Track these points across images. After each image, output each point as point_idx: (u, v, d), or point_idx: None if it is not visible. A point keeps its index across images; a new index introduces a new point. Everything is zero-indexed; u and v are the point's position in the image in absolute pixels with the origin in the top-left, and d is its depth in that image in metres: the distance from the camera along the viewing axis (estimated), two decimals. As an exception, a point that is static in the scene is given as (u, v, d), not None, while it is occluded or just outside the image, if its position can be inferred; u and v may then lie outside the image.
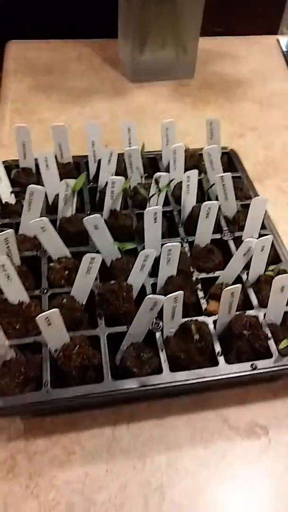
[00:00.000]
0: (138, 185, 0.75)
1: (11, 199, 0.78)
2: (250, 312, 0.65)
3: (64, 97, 1.19)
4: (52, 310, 0.53)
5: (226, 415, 0.64)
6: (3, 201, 0.76)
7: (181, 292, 0.57)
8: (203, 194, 0.80)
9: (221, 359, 0.60)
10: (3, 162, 0.79)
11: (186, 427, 0.63)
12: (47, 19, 1.67)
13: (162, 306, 0.58)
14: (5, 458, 0.58)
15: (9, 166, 0.81)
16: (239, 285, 0.59)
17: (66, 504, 0.55)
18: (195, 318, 0.63)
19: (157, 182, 0.71)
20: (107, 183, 0.73)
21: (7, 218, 0.75)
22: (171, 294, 0.56)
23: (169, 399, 0.64)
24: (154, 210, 0.66)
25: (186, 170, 0.84)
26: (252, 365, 0.59)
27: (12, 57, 1.30)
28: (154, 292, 0.67)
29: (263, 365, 0.60)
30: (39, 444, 0.60)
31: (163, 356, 0.59)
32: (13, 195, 0.78)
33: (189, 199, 0.77)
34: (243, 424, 0.64)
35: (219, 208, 0.79)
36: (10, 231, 0.62)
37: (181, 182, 0.78)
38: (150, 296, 0.56)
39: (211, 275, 0.70)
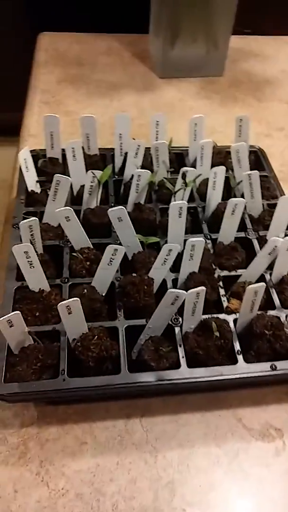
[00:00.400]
0: (165, 179, 0.75)
1: (37, 188, 0.79)
2: (272, 312, 0.64)
3: (92, 90, 1.19)
4: (73, 299, 0.53)
5: (241, 414, 0.63)
6: (29, 190, 0.77)
7: (203, 288, 0.56)
8: (229, 192, 0.79)
9: (240, 357, 0.59)
10: (31, 151, 0.79)
11: (199, 424, 0.62)
12: (82, 11, 1.69)
13: (183, 301, 0.57)
14: (18, 444, 0.59)
15: (37, 156, 0.81)
16: (263, 284, 0.58)
17: (76, 493, 0.55)
18: (215, 315, 0.62)
19: (183, 177, 0.71)
20: (132, 176, 0.73)
21: (32, 206, 0.75)
22: (193, 289, 0.56)
23: (184, 395, 0.64)
24: (179, 204, 0.65)
25: (212, 166, 0.83)
26: (272, 365, 0.58)
27: (43, 49, 1.31)
28: (175, 287, 0.67)
29: (283, 366, 0.59)
30: (51, 432, 0.60)
31: (181, 351, 0.59)
32: (38, 184, 0.79)
33: (214, 196, 0.76)
34: (258, 425, 0.63)
35: (245, 206, 0.78)
36: (35, 219, 0.62)
37: (207, 179, 0.77)
38: (172, 290, 0.55)
39: (233, 273, 0.69)
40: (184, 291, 0.56)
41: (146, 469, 0.58)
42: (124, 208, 0.65)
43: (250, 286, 0.56)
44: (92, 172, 0.70)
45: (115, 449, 0.59)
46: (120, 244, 0.69)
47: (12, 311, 0.62)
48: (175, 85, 1.23)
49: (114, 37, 1.39)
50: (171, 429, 0.62)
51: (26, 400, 0.56)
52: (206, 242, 0.72)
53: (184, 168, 0.72)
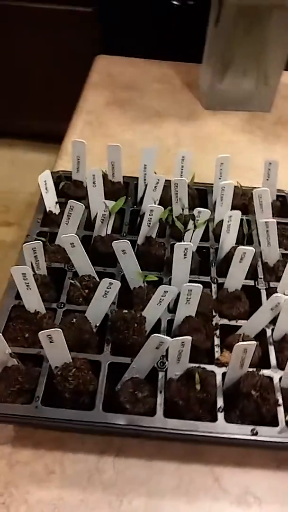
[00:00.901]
0: (176, 217, 0.74)
1: (56, 209, 0.81)
2: (265, 372, 0.60)
3: (137, 115, 1.21)
4: (54, 329, 0.53)
5: (219, 473, 0.60)
6: (47, 209, 0.79)
7: (188, 338, 0.54)
8: (246, 236, 0.77)
9: (221, 415, 0.56)
10: (56, 172, 0.81)
11: (173, 475, 0.60)
12: (145, 38, 1.74)
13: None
14: (-11, 460, 0.60)
15: (60, 177, 0.83)
16: (254, 342, 0.55)
17: (33, 524, 0.55)
18: (203, 365, 0.60)
19: (193, 218, 0.69)
20: (148, 209, 0.72)
21: (48, 226, 0.77)
22: (177, 338, 0.54)
23: (162, 441, 0.61)
24: (184, 245, 0.64)
25: (234, 207, 0.81)
26: (253, 430, 0.55)
27: (97, 71, 1.36)
28: (169, 328, 0.65)
29: (266, 432, 0.55)
30: (24, 455, 0.60)
31: (160, 398, 0.57)
32: (58, 205, 0.81)
33: (228, 239, 0.74)
34: (236, 488, 0.59)
35: (260, 254, 0.75)
36: (38, 242, 0.64)
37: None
38: (156, 335, 0.54)
39: (233, 323, 0.66)
40: (168, 338, 0.54)
41: (109, 512, 0.56)
42: (128, 242, 0.65)
43: (239, 343, 0.53)
44: (104, 202, 0.71)
45: (82, 485, 0.58)
46: (123, 275, 0.69)
47: (5, 328, 0.63)
48: (219, 118, 1.22)
49: (169, 65, 1.41)
50: (143, 474, 0.60)
51: (-2, 420, 0.57)
52: (211, 286, 0.70)
53: (197, 209, 0.70)
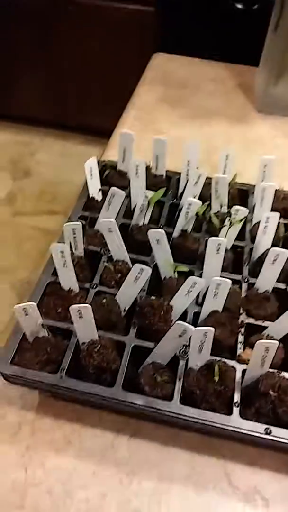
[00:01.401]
0: (213, 214, 0.75)
1: (99, 196, 0.84)
2: (286, 374, 0.60)
3: (187, 113, 1.22)
4: (85, 305, 0.56)
5: (230, 469, 0.61)
6: (90, 195, 0.82)
7: (211, 329, 0.55)
8: (282, 239, 0.76)
9: (236, 410, 0.57)
10: (103, 161, 0.84)
11: (185, 464, 0.61)
12: (201, 39, 1.74)
13: (192, 336, 0.57)
14: (13, 423, 0.63)
15: (105, 166, 0.86)
16: (276, 342, 0.55)
17: (47, 488, 0.58)
18: (224, 360, 0.60)
19: (230, 214, 0.70)
20: (187, 203, 0.74)
21: (88, 211, 0.80)
22: (201, 328, 0.55)
23: (179, 429, 0.63)
24: (218, 240, 0.65)
25: (274, 210, 0.81)
26: (266, 429, 0.55)
27: (152, 68, 1.38)
28: (196, 321, 0.66)
29: (279, 433, 0.55)
30: (45, 422, 0.64)
31: (178, 385, 0.58)
32: (101, 192, 0.84)
33: (264, 241, 0.74)
34: (245, 486, 0.60)
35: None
36: (78, 223, 0.67)
37: (261, 221, 0.75)
38: (180, 322, 0.56)
39: (259, 323, 0.66)
40: (191, 327, 0.55)
41: (118, 489, 0.59)
42: (163, 231, 0.66)
43: (261, 341, 0.54)
44: (144, 192, 0.73)
45: (96, 459, 0.61)
46: (156, 265, 0.71)
47: (40, 302, 0.67)
48: (271, 122, 1.21)
49: (224, 66, 1.41)
50: (155, 458, 0.61)
51: (25, 385, 0.60)
52: (241, 284, 0.70)
53: (235, 207, 0.71)
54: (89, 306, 0.56)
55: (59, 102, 2.32)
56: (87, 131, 2.42)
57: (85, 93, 2.25)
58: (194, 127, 1.17)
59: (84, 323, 0.58)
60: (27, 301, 0.59)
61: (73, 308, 0.56)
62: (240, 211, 0.70)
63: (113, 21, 1.97)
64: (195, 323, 0.66)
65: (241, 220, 0.70)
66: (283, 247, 0.73)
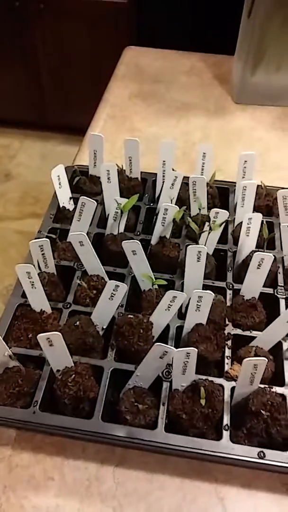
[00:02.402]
0: (192, 218, 0.70)
1: (70, 205, 0.78)
2: (278, 389, 0.55)
3: (162, 108, 1.17)
4: (54, 332, 0.51)
5: (224, 494, 0.56)
6: (61, 206, 0.77)
7: (194, 349, 0.50)
8: (266, 240, 0.72)
9: (226, 434, 0.52)
10: (72, 166, 0.79)
11: (176, 492, 0.56)
12: (175, 30, 1.69)
13: (174, 357, 0.52)
14: (-12, 461, 0.58)
15: (75, 172, 0.81)
16: (264, 359, 0.50)
17: (27, 532, 0.53)
18: (211, 378, 0.56)
19: (209, 219, 0.65)
20: (164, 207, 0.69)
21: (59, 223, 0.75)
22: (182, 349, 0.50)
23: (166, 454, 0.58)
24: (198, 248, 0.60)
25: (258, 209, 0.76)
26: (260, 453, 0.51)
27: (124, 63, 1.32)
28: (179, 335, 0.62)
29: (274, 456, 0.51)
30: (23, 458, 0.59)
31: (162, 411, 0.54)
32: (72, 200, 0.78)
33: (247, 243, 0.69)
34: (242, 511, 0.55)
35: (282, 259, 0.70)
36: (46, 240, 0.62)
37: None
38: (159, 344, 0.51)
39: (246, 333, 0.62)
40: (172, 348, 0.51)
41: (105, 526, 0.54)
42: (138, 242, 0.61)
43: (248, 359, 0.49)
44: (116, 199, 0.68)
45: (79, 494, 0.56)
46: (134, 276, 0.66)
47: (9, 327, 0.62)
48: (250, 112, 1.16)
49: (199, 56, 1.36)
50: (143, 488, 0.57)
51: (-5, 423, 0.55)
52: (226, 292, 0.66)
53: (214, 210, 0.66)
54: (59, 334, 0.51)
55: (36, 102, 2.26)
56: (67, 130, 2.36)
57: (62, 91, 2.18)
58: (171, 123, 1.12)
59: (56, 351, 0.53)
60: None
61: (42, 337, 0.51)
62: (220, 214, 0.65)
63: (88, 15, 1.90)
64: (178, 338, 0.61)
65: (221, 224, 0.65)
66: (267, 248, 0.69)
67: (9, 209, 2.15)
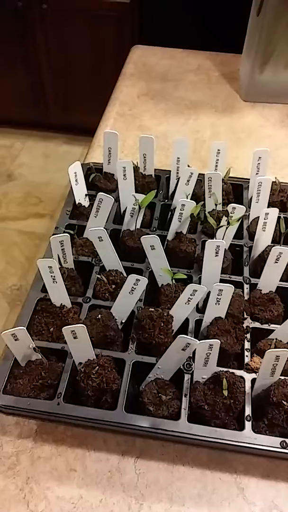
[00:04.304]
0: (209, 213, 0.70)
1: (85, 202, 0.79)
2: (299, 381, 0.56)
3: (171, 106, 1.17)
4: (79, 324, 0.52)
5: (244, 484, 0.57)
6: (77, 202, 0.78)
7: (217, 341, 0.51)
8: (283, 235, 0.73)
9: (248, 424, 0.53)
10: (87, 164, 0.80)
11: (196, 482, 0.57)
12: (181, 28, 1.69)
13: (196, 349, 0.53)
14: (11, 454, 0.59)
15: (90, 169, 0.81)
16: (286, 351, 0.51)
17: (51, 522, 0.54)
18: (232, 370, 0.57)
19: (227, 214, 0.66)
20: (180, 203, 0.70)
21: (77, 219, 0.76)
22: (206, 340, 0.51)
23: (187, 445, 0.59)
24: (216, 243, 0.61)
25: (272, 204, 0.77)
26: (282, 442, 0.52)
27: (132, 61, 1.33)
28: (197, 329, 0.63)
29: (297, 446, 0.52)
30: (45, 450, 0.59)
31: (185, 402, 0.54)
32: (87, 197, 0.79)
33: (263, 238, 0.70)
34: (261, 501, 0.56)
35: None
36: (66, 235, 0.62)
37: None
38: (182, 336, 0.52)
39: (265, 326, 0.62)
40: (195, 340, 0.51)
41: (128, 515, 0.55)
42: (157, 237, 0.62)
43: (270, 350, 0.50)
44: (134, 195, 0.68)
45: (102, 485, 0.57)
46: (152, 271, 0.67)
47: (30, 322, 0.62)
48: (258, 110, 1.16)
49: (206, 55, 1.36)
50: (164, 479, 0.57)
51: (19, 415, 0.56)
52: (243, 286, 0.66)
53: (231, 205, 0.67)
54: (84, 326, 0.52)
55: (39, 102, 2.26)
56: (69, 130, 2.36)
57: (65, 91, 2.19)
58: (180, 121, 1.13)
59: (79, 344, 0.54)
60: (17, 320, 0.55)
61: (67, 329, 0.52)
62: (237, 209, 0.66)
63: (91, 15, 1.91)
64: (197, 331, 0.62)
65: (238, 219, 0.66)
66: (284, 243, 0.70)
67: (12, 210, 2.16)
